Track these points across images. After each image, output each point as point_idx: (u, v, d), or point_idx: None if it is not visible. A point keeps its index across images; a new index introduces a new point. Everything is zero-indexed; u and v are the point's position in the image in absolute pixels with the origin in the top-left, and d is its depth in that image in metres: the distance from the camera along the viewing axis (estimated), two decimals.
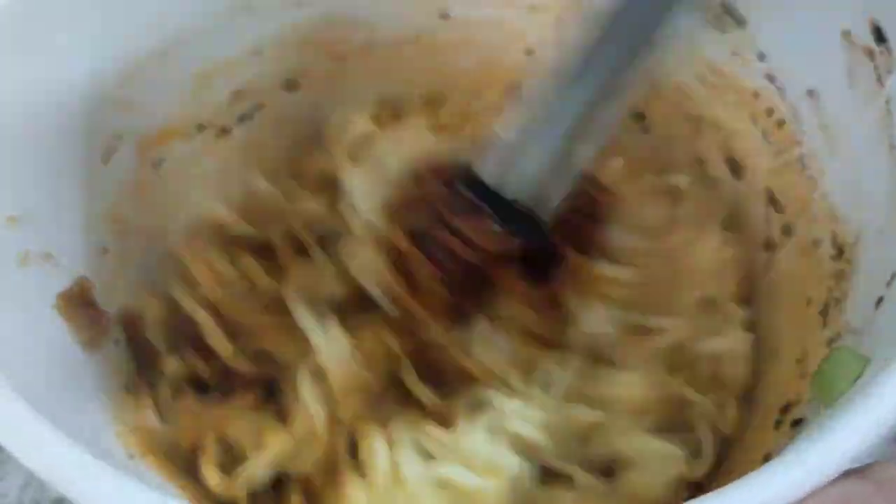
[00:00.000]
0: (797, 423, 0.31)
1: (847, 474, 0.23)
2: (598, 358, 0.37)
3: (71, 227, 0.36)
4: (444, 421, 0.35)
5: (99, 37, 0.36)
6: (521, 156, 0.34)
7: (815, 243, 0.36)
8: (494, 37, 0.45)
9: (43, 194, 0.34)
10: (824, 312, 0.34)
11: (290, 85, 0.44)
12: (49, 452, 0.25)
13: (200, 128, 0.42)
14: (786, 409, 0.33)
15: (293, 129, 0.45)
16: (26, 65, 0.34)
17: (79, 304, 0.35)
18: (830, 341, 0.33)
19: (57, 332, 0.34)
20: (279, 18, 0.42)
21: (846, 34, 0.33)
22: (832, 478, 0.23)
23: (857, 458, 0.23)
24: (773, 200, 0.40)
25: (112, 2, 0.36)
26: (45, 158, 0.35)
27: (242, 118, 0.44)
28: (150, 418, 0.36)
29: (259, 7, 0.41)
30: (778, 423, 0.34)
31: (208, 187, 0.42)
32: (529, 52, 0.45)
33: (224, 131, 0.43)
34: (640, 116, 0.44)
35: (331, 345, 0.36)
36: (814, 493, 0.23)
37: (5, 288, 0.32)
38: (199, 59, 0.41)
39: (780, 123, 0.38)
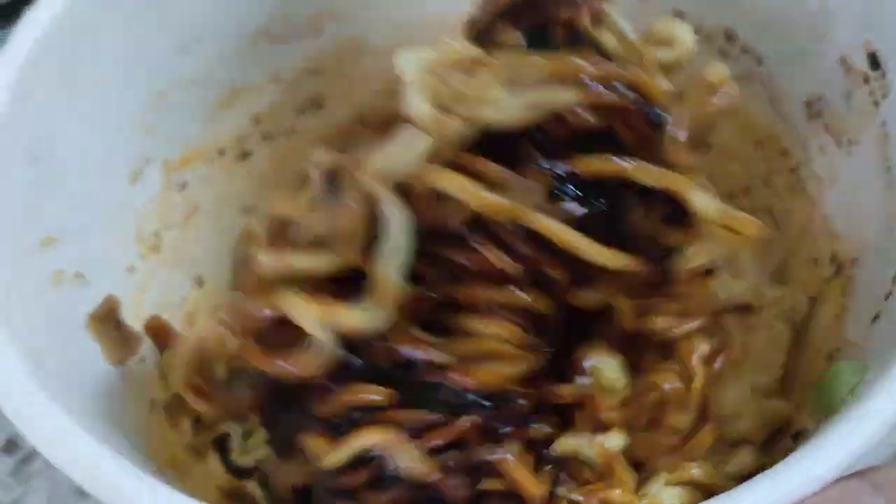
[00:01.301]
0: (797, 436, 0.32)
1: (847, 476, 0.25)
2: None
3: (101, 246, 0.37)
4: None
5: (126, 67, 0.38)
6: None
7: (816, 262, 0.37)
8: None
9: (75, 216, 0.36)
10: None
11: (308, 109, 0.46)
12: (97, 465, 0.26)
13: (221, 151, 0.44)
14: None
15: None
16: (61, 94, 0.35)
17: (108, 322, 0.36)
18: (830, 355, 0.34)
19: (88, 351, 0.35)
20: (297, 45, 0.43)
21: (844, 59, 0.35)
22: (831, 481, 0.24)
23: (855, 463, 0.25)
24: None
25: (141, 32, 0.38)
26: (78, 181, 0.36)
27: (262, 142, 0.45)
28: (185, 431, 0.38)
29: (278, 35, 0.42)
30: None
31: (231, 207, 0.44)
32: None
33: (244, 155, 0.45)
34: None
35: None
36: (814, 493, 0.24)
37: (40, 309, 0.33)
38: (221, 85, 0.42)
39: (782, 146, 0.39)
